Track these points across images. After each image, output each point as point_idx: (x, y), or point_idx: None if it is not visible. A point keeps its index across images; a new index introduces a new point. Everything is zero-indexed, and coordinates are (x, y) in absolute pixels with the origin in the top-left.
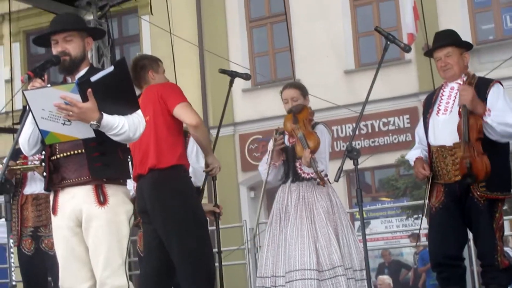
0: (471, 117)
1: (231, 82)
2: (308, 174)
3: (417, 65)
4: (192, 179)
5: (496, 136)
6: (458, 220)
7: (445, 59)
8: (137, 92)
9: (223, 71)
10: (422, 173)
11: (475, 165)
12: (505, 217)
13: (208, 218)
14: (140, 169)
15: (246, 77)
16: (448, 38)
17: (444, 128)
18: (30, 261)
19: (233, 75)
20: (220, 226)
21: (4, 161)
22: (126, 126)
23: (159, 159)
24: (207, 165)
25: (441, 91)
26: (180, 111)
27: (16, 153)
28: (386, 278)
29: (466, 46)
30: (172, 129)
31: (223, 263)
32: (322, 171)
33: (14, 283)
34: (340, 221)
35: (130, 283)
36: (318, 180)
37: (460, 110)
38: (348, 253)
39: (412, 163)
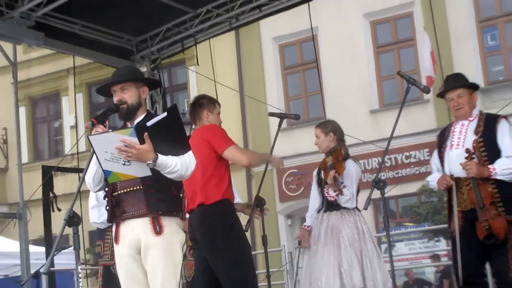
0: (482, 185)
1: (280, 123)
2: (332, 197)
3: (435, 104)
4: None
5: (509, 181)
6: (477, 242)
7: (457, 99)
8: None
9: (271, 114)
10: (447, 181)
11: (494, 227)
12: None
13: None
14: (191, 205)
15: (295, 117)
16: (458, 81)
17: (458, 161)
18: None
19: (281, 116)
20: (260, 251)
21: (73, 197)
22: (178, 165)
23: (206, 197)
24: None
25: (453, 127)
26: (230, 155)
27: None
28: None
29: (474, 87)
30: (218, 168)
31: (262, 284)
32: (342, 184)
33: None
34: (366, 246)
35: None
36: (337, 191)
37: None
38: (371, 274)
39: (435, 184)
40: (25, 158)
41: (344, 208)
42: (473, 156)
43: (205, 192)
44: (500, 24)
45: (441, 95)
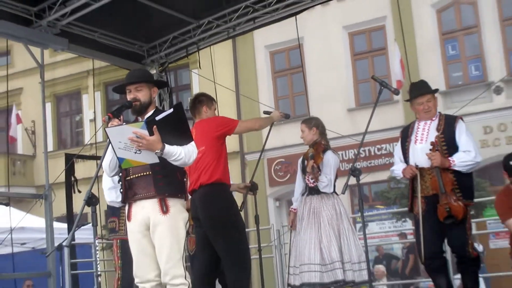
0: (444, 173)
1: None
2: (312, 183)
3: (403, 104)
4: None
5: (465, 172)
6: (438, 223)
7: (427, 103)
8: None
9: (266, 112)
10: (413, 171)
11: (453, 209)
12: (472, 220)
13: (244, 223)
14: (194, 186)
15: (286, 117)
16: (425, 88)
17: (422, 153)
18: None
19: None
20: (253, 228)
21: (91, 181)
22: (182, 154)
23: (207, 178)
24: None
25: (416, 125)
26: (243, 127)
27: None
28: (381, 267)
29: (436, 92)
30: (219, 155)
31: (254, 257)
32: (319, 174)
33: (99, 273)
34: (343, 225)
35: (187, 272)
36: (314, 178)
37: (434, 167)
38: (347, 249)
39: (400, 173)
40: (50, 147)
41: (324, 192)
42: (437, 148)
43: (206, 174)
44: (460, 36)
45: (410, 99)
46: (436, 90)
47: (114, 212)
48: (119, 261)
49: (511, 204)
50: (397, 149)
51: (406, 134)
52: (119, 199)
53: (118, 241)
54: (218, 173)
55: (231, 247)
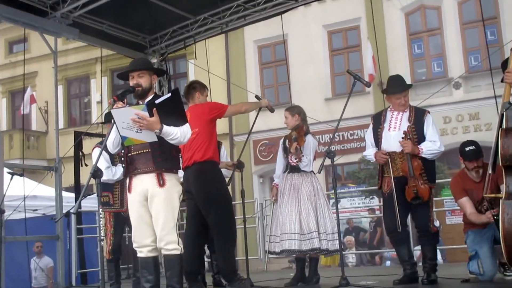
0: (413, 159)
1: (260, 108)
2: (294, 162)
3: (374, 95)
4: (224, 172)
5: (430, 159)
6: (404, 200)
7: (404, 98)
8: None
9: (257, 97)
10: (384, 157)
11: (420, 191)
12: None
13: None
14: (188, 163)
15: (271, 110)
16: (404, 85)
17: (395, 140)
18: (125, 221)
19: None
20: (239, 201)
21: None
22: (178, 133)
23: (200, 156)
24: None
25: (390, 114)
26: (231, 110)
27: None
28: (351, 238)
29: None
30: (211, 136)
31: (240, 226)
32: (302, 155)
33: (102, 237)
34: (319, 200)
35: (179, 239)
36: (297, 158)
37: (405, 152)
38: (323, 221)
39: (371, 157)
40: (61, 125)
41: (303, 170)
42: (409, 137)
43: (200, 152)
44: (425, 37)
45: (385, 92)
46: (411, 86)
47: (107, 188)
48: (111, 229)
49: (464, 185)
50: (369, 134)
51: (378, 121)
52: (116, 177)
53: (112, 213)
54: (210, 152)
55: (220, 219)
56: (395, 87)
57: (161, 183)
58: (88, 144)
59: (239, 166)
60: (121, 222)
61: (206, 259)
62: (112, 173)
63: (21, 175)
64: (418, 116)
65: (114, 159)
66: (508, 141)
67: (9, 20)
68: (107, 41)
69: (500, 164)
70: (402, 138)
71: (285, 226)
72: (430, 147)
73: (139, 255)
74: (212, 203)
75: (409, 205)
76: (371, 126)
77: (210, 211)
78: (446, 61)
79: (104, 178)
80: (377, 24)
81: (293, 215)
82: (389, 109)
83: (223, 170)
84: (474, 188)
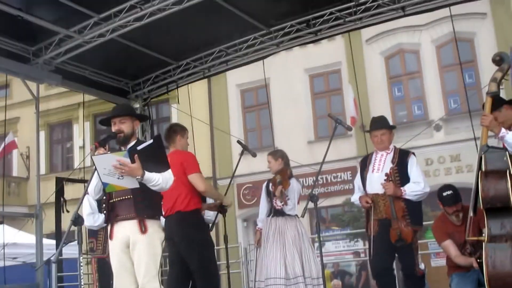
0: (396, 201)
1: (242, 152)
2: (279, 206)
3: (356, 138)
4: (209, 216)
5: (415, 200)
6: (389, 244)
7: (381, 137)
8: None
9: (239, 142)
10: (368, 203)
11: (403, 234)
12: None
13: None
14: (171, 212)
15: (253, 155)
16: (382, 123)
17: (378, 182)
18: (109, 268)
19: (245, 147)
20: (222, 246)
21: (78, 203)
22: (160, 180)
23: (183, 206)
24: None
25: (374, 156)
26: (194, 178)
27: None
28: (338, 282)
29: (393, 128)
30: (190, 184)
31: (223, 272)
32: (287, 198)
33: (83, 285)
34: (304, 244)
35: (162, 286)
36: (283, 202)
37: (387, 193)
38: (308, 266)
39: (358, 202)
40: (42, 171)
41: (288, 214)
42: (391, 179)
43: (183, 203)
44: (405, 80)
45: (368, 131)
46: (391, 126)
47: (92, 234)
48: (96, 275)
49: (445, 229)
50: (357, 178)
51: (364, 164)
52: (98, 223)
53: (96, 259)
54: (194, 202)
55: (202, 263)
56: (373, 125)
57: (143, 229)
58: (70, 190)
59: (222, 210)
60: (106, 268)
61: None
62: (94, 219)
63: (1, 222)
64: (401, 158)
65: (101, 206)
66: (488, 183)
67: None
68: (90, 86)
69: (481, 207)
70: (385, 180)
71: (271, 271)
72: (413, 188)
73: None
74: (194, 248)
75: (395, 248)
76: (358, 170)
77: (193, 256)
78: (426, 104)
79: (86, 224)
80: (358, 67)
81: (278, 259)
82: (374, 151)
83: (207, 213)
84: (456, 231)
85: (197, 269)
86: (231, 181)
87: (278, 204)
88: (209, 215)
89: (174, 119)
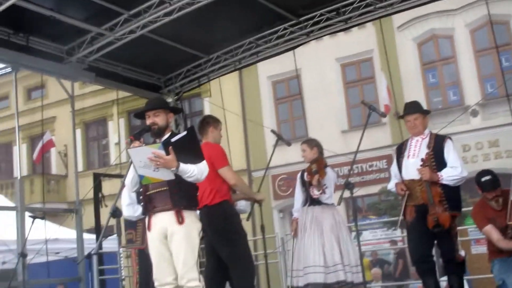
0: (433, 186)
1: (277, 142)
2: (316, 195)
3: (390, 126)
4: (244, 206)
5: (453, 185)
6: (427, 230)
7: (414, 121)
8: None
9: (273, 131)
10: (403, 190)
11: (441, 219)
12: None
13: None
14: (200, 204)
15: (287, 144)
16: (415, 108)
17: (413, 167)
18: (149, 259)
19: (279, 137)
20: (260, 237)
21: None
22: (195, 171)
23: (210, 199)
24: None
25: (409, 142)
26: (223, 172)
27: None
28: (377, 270)
29: (426, 113)
30: (219, 177)
31: (261, 262)
32: (324, 186)
33: (123, 277)
34: (341, 232)
35: (200, 276)
36: (321, 191)
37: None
38: (346, 254)
39: (394, 189)
40: (80, 168)
41: (325, 203)
42: (427, 164)
43: (208, 197)
44: (439, 66)
45: (401, 117)
46: (425, 111)
47: (131, 225)
48: (137, 267)
49: (486, 214)
50: (393, 165)
51: (400, 151)
52: (136, 214)
53: (136, 250)
54: (219, 196)
55: (233, 253)
56: (406, 110)
57: (180, 220)
58: (107, 185)
59: (257, 200)
60: (145, 259)
61: None
62: (134, 209)
63: (42, 218)
64: (437, 143)
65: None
66: None
67: (27, 68)
68: (123, 83)
69: None
70: (420, 165)
71: (309, 259)
72: (450, 173)
73: None
74: (223, 239)
75: (433, 234)
76: (395, 157)
77: (223, 249)
78: (461, 89)
79: (125, 214)
80: (390, 55)
81: (316, 247)
82: (410, 137)
83: (240, 203)
84: (496, 216)
85: (229, 259)
86: (265, 172)
87: (315, 193)
88: (241, 205)
89: (207, 112)
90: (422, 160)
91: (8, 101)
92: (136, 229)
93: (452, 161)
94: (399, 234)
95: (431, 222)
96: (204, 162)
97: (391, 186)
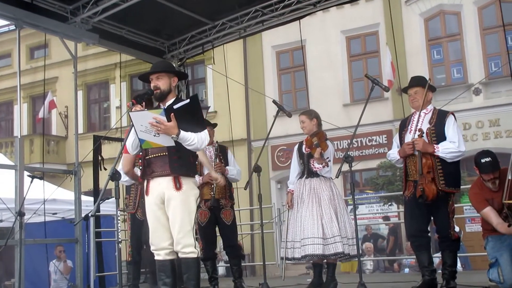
0: (424, 157)
1: (278, 112)
2: (317, 168)
3: (392, 101)
4: (236, 177)
5: (448, 160)
6: (424, 205)
7: (414, 95)
8: None
9: (275, 102)
10: (409, 145)
11: (426, 190)
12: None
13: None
14: None
15: (288, 114)
16: (417, 81)
17: None
18: (141, 224)
19: (280, 107)
20: (256, 206)
21: (115, 159)
22: (196, 140)
23: None
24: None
25: (412, 117)
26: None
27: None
28: (370, 244)
29: (430, 88)
30: None
31: (257, 231)
32: (327, 159)
33: (119, 240)
34: (339, 205)
35: (196, 242)
36: (323, 164)
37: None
38: (343, 226)
39: (396, 156)
40: (80, 130)
41: (323, 176)
42: (422, 135)
43: None
44: (444, 43)
45: (404, 90)
46: (425, 83)
47: (128, 191)
48: (130, 231)
49: (484, 195)
50: (396, 137)
51: (404, 125)
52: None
53: (129, 214)
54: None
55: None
56: (409, 83)
57: (178, 186)
58: (107, 148)
59: (256, 170)
60: (138, 224)
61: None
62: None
63: (41, 178)
64: (439, 118)
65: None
66: None
67: (31, 26)
68: (126, 46)
69: None
70: (418, 136)
71: (308, 230)
72: (446, 146)
73: (156, 258)
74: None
75: (430, 210)
76: (399, 130)
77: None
78: (465, 67)
79: (122, 179)
80: (396, 29)
81: (314, 219)
82: (414, 112)
83: (234, 171)
84: (493, 197)
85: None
86: (265, 143)
87: (315, 166)
88: (232, 174)
89: (210, 80)
90: (420, 130)
91: (11, 59)
92: (129, 195)
93: (451, 135)
94: (395, 209)
95: (418, 192)
96: (206, 131)
97: (391, 152)
